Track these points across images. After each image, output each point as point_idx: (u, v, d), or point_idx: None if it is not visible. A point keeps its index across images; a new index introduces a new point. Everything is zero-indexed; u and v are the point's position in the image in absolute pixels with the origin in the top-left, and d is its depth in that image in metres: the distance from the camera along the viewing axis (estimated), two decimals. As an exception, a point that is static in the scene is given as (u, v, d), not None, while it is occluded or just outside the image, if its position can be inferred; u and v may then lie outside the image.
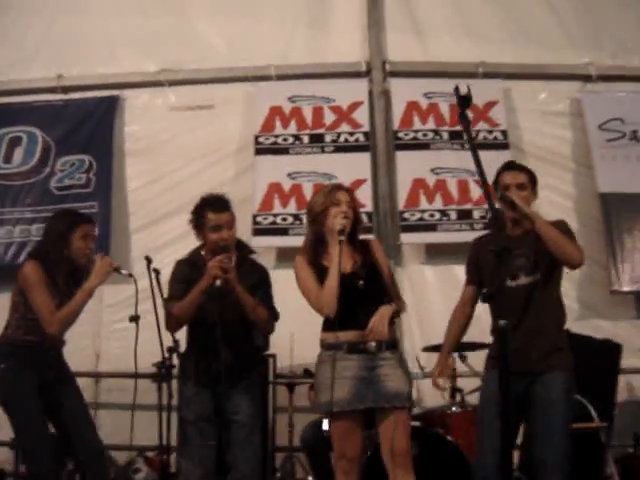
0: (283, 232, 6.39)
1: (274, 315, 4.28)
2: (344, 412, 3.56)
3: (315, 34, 6.99)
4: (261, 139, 6.63)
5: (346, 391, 3.56)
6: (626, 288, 6.31)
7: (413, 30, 6.96)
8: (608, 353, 5.24)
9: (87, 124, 6.82)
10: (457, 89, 2.87)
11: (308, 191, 6.44)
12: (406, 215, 6.40)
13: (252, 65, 6.87)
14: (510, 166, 3.85)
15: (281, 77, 6.86)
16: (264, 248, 6.26)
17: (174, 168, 6.71)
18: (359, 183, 6.36)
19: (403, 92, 6.74)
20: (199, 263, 4.17)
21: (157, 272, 4.11)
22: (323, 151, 6.62)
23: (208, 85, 6.91)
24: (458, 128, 6.61)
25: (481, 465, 3.65)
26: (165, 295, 4.10)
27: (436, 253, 6.51)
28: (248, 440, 4.04)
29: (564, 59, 6.89)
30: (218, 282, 3.96)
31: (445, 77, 6.80)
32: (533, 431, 3.58)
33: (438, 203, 6.41)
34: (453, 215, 6.39)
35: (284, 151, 6.62)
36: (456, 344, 4.05)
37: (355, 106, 6.69)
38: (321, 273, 3.68)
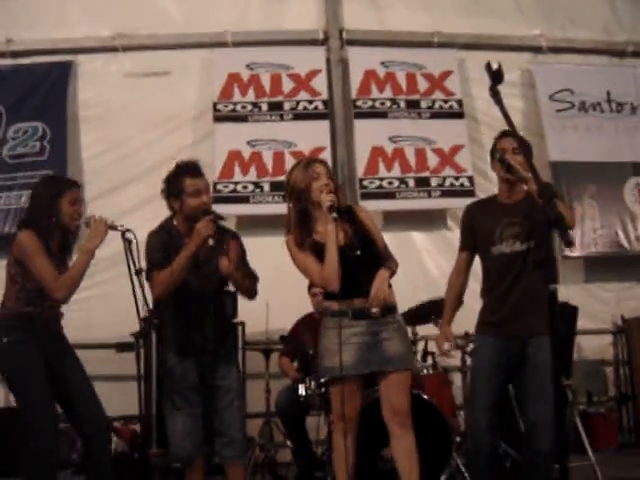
0: (244, 200, 6.40)
1: (255, 277, 4.27)
2: (348, 376, 3.64)
3: (271, 1, 6.96)
4: (219, 106, 6.60)
5: (352, 356, 3.63)
6: (576, 253, 6.58)
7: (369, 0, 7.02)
8: (566, 316, 5.44)
9: (39, 90, 6.64)
10: (489, 65, 2.89)
11: (268, 159, 6.49)
12: (365, 183, 6.49)
13: (208, 31, 6.81)
14: (506, 133, 3.94)
15: (237, 44, 6.83)
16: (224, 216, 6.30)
17: (130, 135, 6.61)
18: (319, 151, 6.41)
19: (360, 61, 6.80)
20: (173, 232, 4.12)
21: (129, 241, 4.06)
22: (282, 119, 6.64)
23: (164, 51, 6.82)
24: (415, 97, 6.74)
25: (475, 425, 3.81)
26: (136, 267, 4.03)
27: (394, 220, 6.61)
28: (235, 405, 4.04)
29: (516, 30, 7.08)
30: (211, 241, 3.94)
31: (401, 46, 6.93)
32: (525, 391, 3.73)
33: (396, 171, 6.52)
34: (411, 183, 6.51)
35: (243, 119, 6.61)
36: (455, 310, 4.12)
37: (313, 74, 6.72)
38: (314, 249, 3.73)
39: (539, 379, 3.58)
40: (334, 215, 3.66)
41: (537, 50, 7.07)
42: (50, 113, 6.60)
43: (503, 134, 3.90)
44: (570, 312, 5.51)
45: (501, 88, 7.12)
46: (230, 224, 6.38)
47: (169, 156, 6.45)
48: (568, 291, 6.33)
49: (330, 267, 3.64)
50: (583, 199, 6.69)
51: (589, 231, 6.64)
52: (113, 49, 6.80)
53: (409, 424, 3.67)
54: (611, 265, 6.76)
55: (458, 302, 4.10)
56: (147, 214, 5.60)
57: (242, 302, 5.16)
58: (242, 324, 5.62)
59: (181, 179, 4.05)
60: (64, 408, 3.90)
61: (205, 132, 6.65)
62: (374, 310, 3.68)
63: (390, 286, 3.74)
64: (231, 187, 6.41)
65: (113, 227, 3.89)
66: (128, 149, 6.58)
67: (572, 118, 6.85)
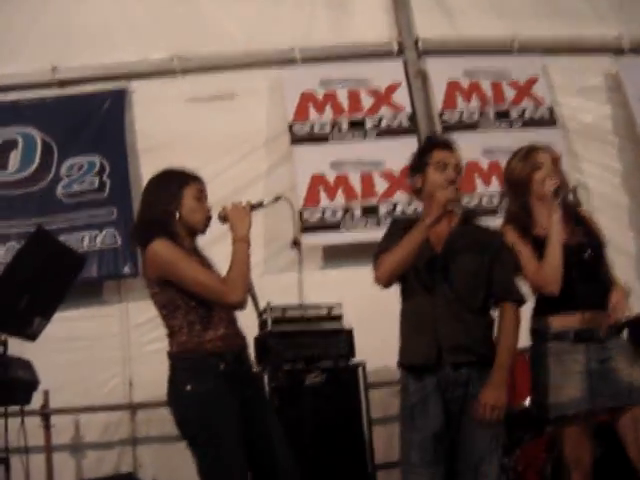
0: (334, 227, 5.80)
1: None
2: (578, 414, 3.05)
3: (335, 14, 6.43)
4: (296, 128, 6.02)
5: (578, 389, 3.05)
6: None
7: (439, 7, 6.52)
8: None
9: (93, 121, 5.96)
10: None
11: (356, 181, 5.93)
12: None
13: (273, 49, 6.25)
14: None
15: (307, 60, 6.27)
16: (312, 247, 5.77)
17: (197, 165, 5.70)
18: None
19: (441, 71, 6.29)
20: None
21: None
22: (365, 137, 6.07)
23: (227, 73, 6.20)
24: (503, 107, 6.26)
25: None
26: None
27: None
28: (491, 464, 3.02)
29: (594, 33, 6.63)
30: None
31: (480, 54, 6.46)
32: None
33: (495, 186, 5.97)
34: (512, 199, 5.98)
35: (322, 139, 6.04)
36: None
37: (393, 88, 6.18)
38: (535, 245, 3.20)
39: None
40: (558, 202, 3.12)
41: (618, 52, 6.63)
42: (107, 145, 5.92)
43: None
44: None
45: (587, 94, 6.70)
46: (316, 255, 5.89)
47: (243, 185, 5.92)
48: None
49: (552, 263, 3.10)
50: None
51: None
52: (170, 72, 6.17)
53: None
54: None
55: None
56: (222, 250, 4.98)
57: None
58: (362, 366, 4.93)
59: (429, 152, 3.31)
60: (255, 471, 3.02)
61: (280, 156, 6.05)
62: (599, 330, 3.10)
63: None
64: (318, 215, 5.81)
65: (256, 206, 3.16)
66: (196, 180, 5.93)
67: (665, 119, 6.42)
